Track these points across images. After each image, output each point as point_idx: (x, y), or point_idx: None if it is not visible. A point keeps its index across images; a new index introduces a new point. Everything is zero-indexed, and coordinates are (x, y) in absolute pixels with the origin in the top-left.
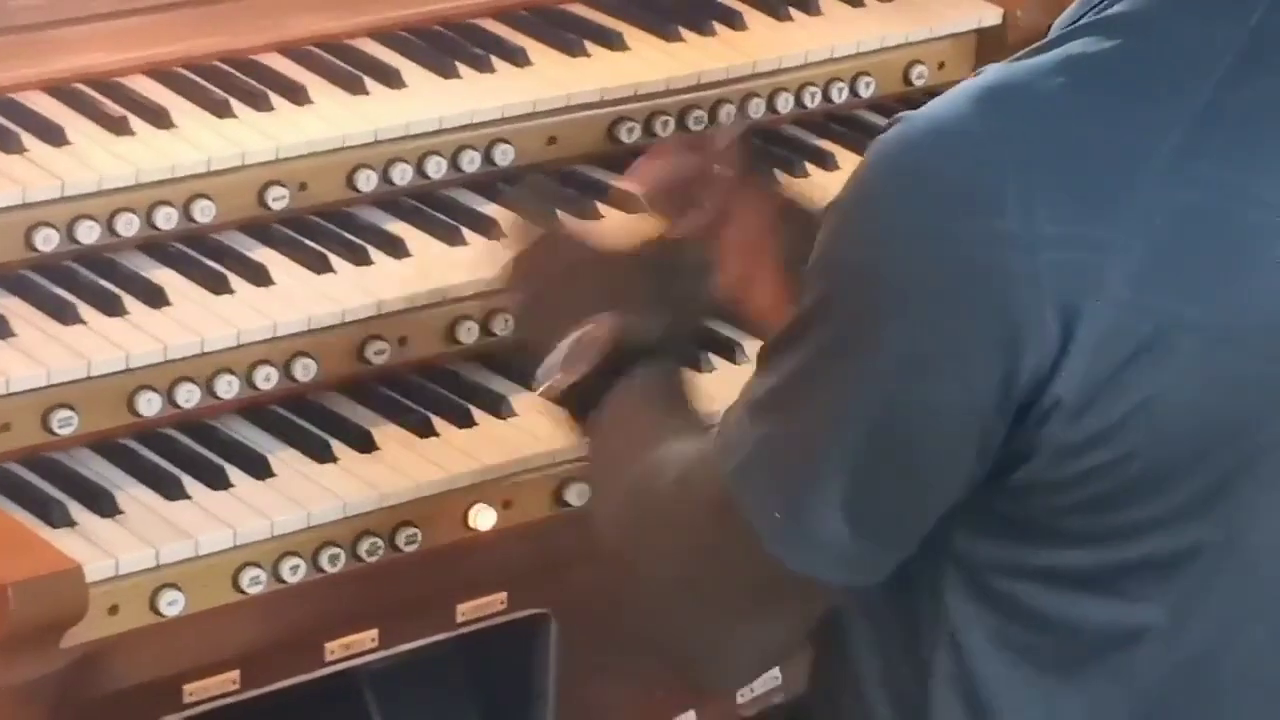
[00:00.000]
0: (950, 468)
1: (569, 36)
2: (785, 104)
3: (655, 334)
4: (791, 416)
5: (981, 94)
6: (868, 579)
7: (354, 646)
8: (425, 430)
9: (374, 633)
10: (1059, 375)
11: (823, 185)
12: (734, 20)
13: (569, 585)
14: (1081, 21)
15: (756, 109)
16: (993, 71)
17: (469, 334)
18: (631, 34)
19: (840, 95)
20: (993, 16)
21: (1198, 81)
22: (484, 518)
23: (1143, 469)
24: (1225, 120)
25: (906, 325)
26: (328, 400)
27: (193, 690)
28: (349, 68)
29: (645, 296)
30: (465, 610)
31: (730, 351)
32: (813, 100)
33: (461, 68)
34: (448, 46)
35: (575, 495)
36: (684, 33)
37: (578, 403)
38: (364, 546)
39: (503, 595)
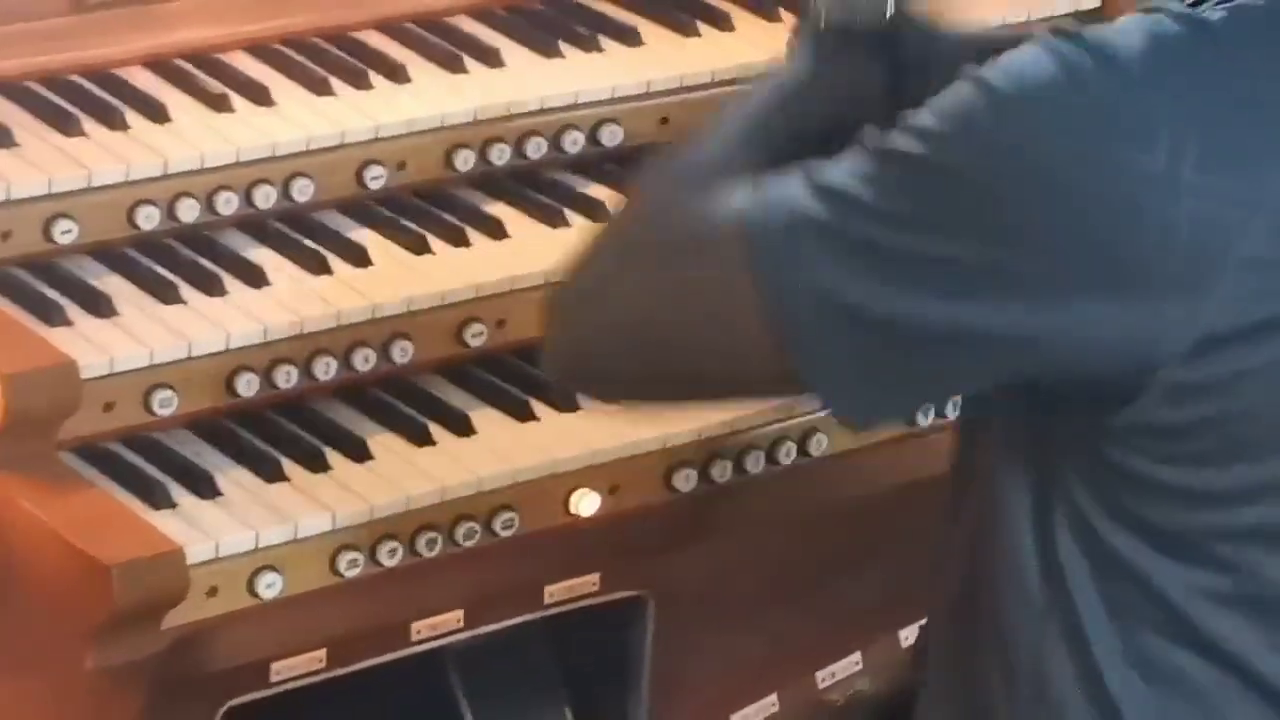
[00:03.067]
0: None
1: (680, 16)
2: None
3: None
4: (905, 236)
5: (1159, 37)
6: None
7: (440, 627)
8: (524, 414)
9: (459, 613)
10: (1184, 322)
11: None
12: None
13: (668, 568)
14: None
15: None
16: (1171, 14)
17: None
18: (737, 14)
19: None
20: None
21: None
22: (587, 503)
23: (1254, 429)
24: None
25: (1035, 229)
26: (426, 383)
27: (279, 669)
28: (449, 45)
29: None
30: (554, 592)
31: None
32: None
33: (565, 46)
34: (550, 24)
35: (684, 480)
36: (783, 13)
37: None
38: (461, 531)
39: (595, 577)
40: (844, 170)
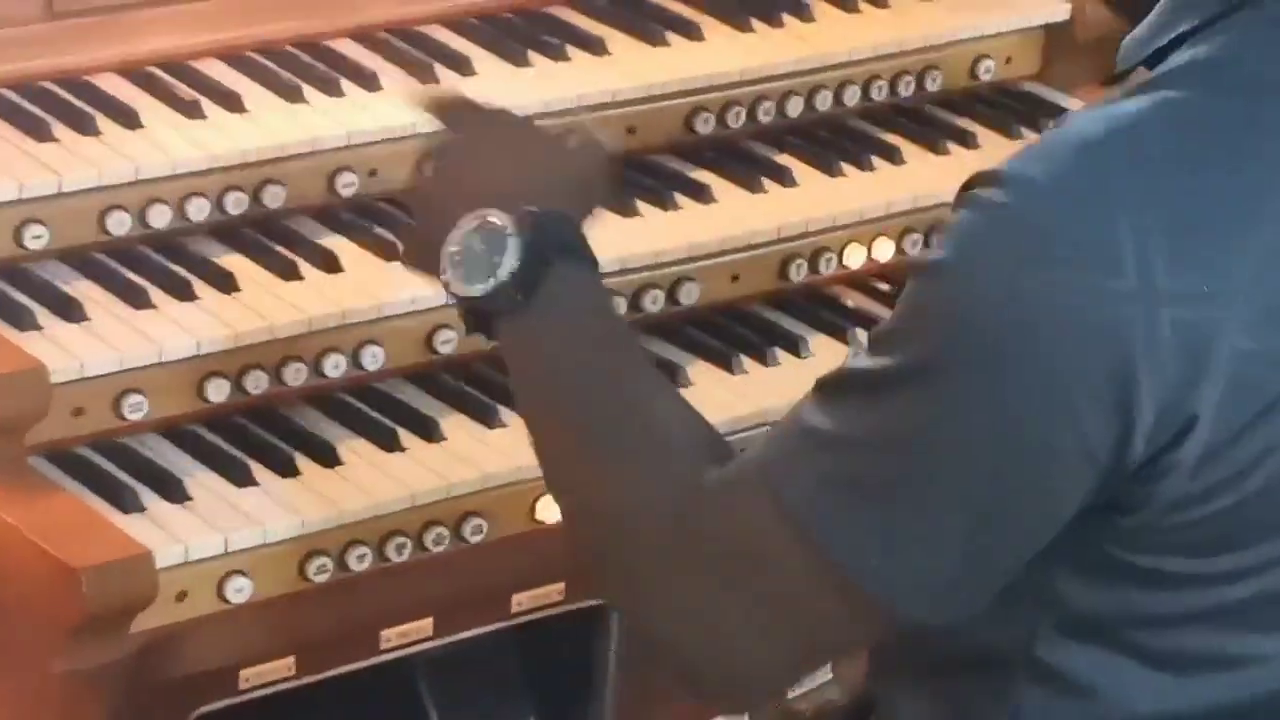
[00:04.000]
0: (1054, 513)
1: (650, 25)
2: (852, 96)
3: (575, 228)
4: (890, 456)
5: (1083, 146)
6: (949, 615)
7: (410, 635)
8: (492, 420)
9: (429, 621)
10: (1184, 433)
11: (889, 179)
12: (803, 12)
13: None
14: (1169, 64)
15: (824, 101)
16: (1086, 120)
17: None
18: (707, 23)
19: (907, 89)
20: (1061, 11)
21: None
22: (553, 510)
23: (1261, 513)
24: None
25: (1022, 382)
26: (395, 388)
27: (248, 675)
28: (421, 54)
29: (577, 181)
30: (521, 600)
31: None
32: (880, 93)
33: (534, 56)
34: (520, 34)
35: None
36: (755, 23)
37: (493, 309)
38: (430, 536)
39: (560, 586)
40: (832, 413)
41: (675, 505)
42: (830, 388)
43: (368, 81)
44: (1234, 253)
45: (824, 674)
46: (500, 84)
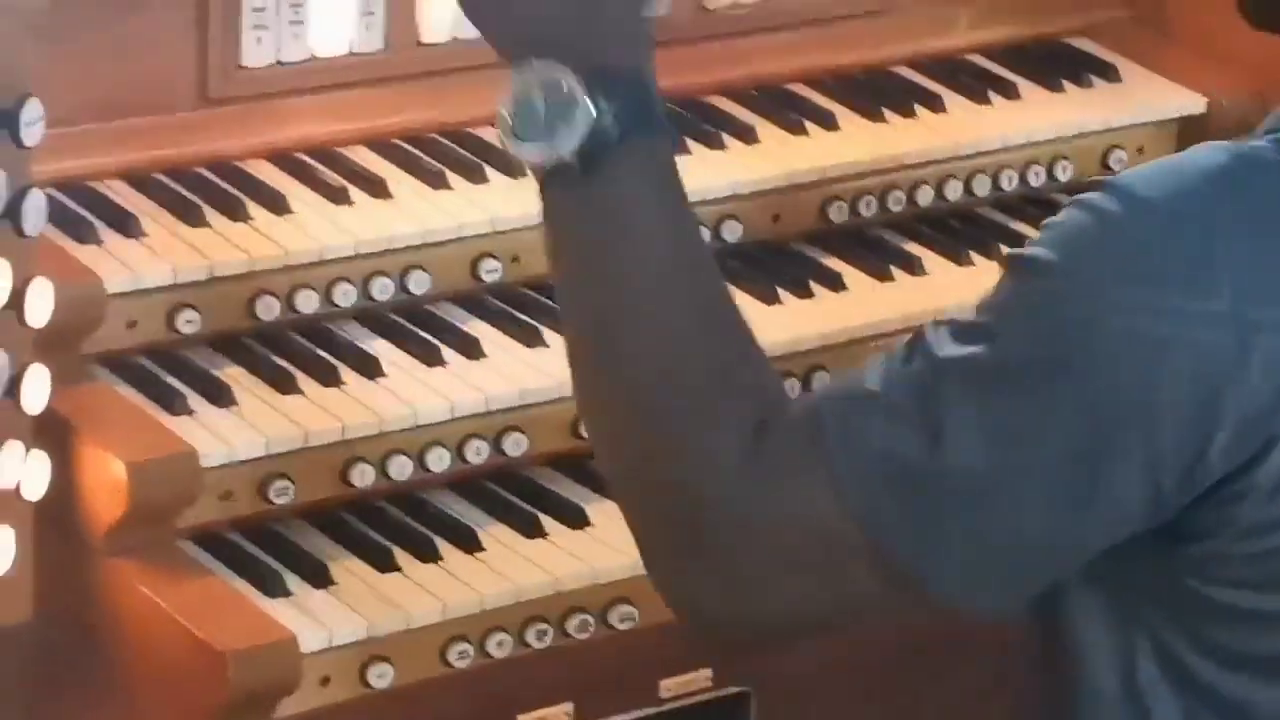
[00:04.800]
0: (1108, 520)
1: (791, 116)
2: (982, 186)
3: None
4: (957, 447)
5: (1197, 170)
6: (983, 604)
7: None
8: None
9: (569, 706)
10: (1260, 460)
11: None
12: (935, 104)
13: (770, 662)
14: None
15: (954, 190)
16: (1209, 148)
17: None
18: (843, 115)
19: (1037, 179)
20: (1197, 105)
21: None
22: None
23: None
24: None
25: (1104, 387)
26: (539, 475)
27: None
28: None
29: None
30: (670, 686)
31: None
32: (1010, 183)
33: (690, 143)
34: (678, 121)
35: None
36: (888, 114)
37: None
38: (573, 623)
39: (708, 672)
40: (910, 394)
41: (732, 459)
42: (908, 363)
43: (511, 168)
44: None
45: None
46: None
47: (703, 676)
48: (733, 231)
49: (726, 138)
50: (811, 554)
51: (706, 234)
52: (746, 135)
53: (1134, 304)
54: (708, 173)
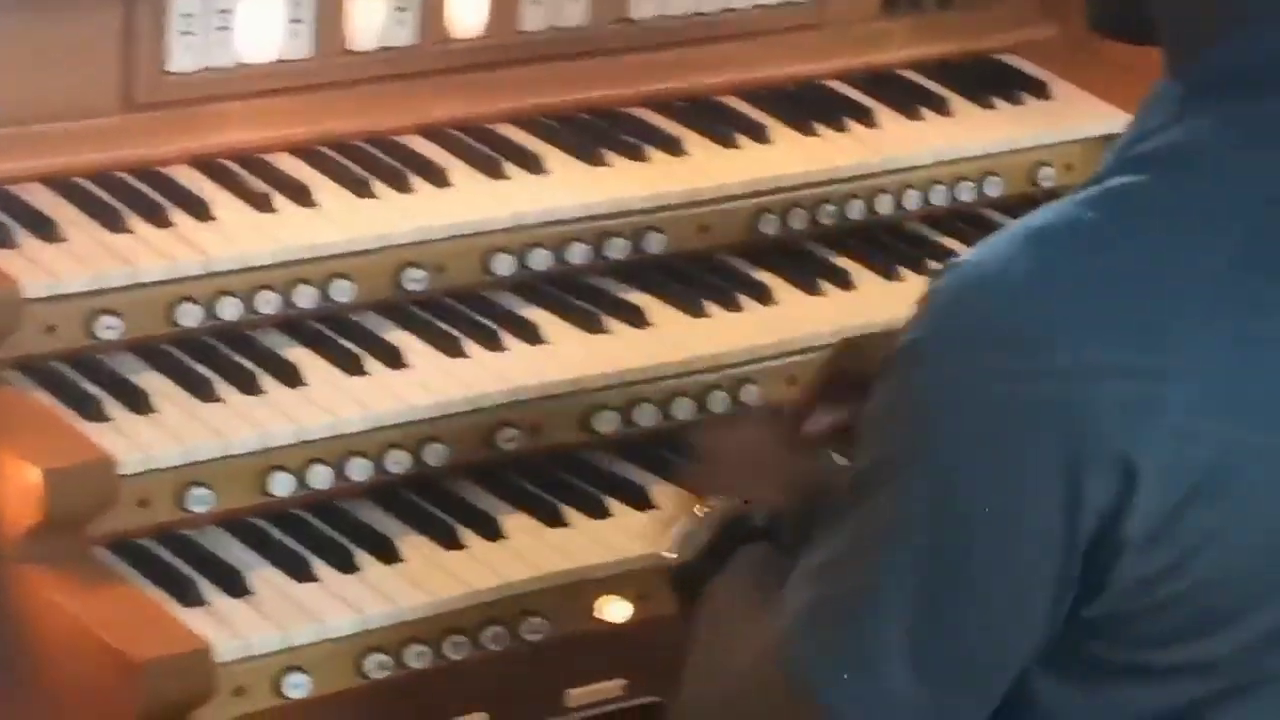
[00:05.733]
0: (1022, 604)
1: (721, 128)
2: (912, 201)
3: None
4: (851, 570)
5: (1026, 236)
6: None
7: None
8: (555, 520)
9: (483, 717)
10: (1126, 508)
11: None
12: (866, 118)
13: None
14: (1128, 154)
15: (885, 205)
16: (1040, 212)
17: (607, 424)
18: (774, 127)
19: (968, 194)
20: (1120, 124)
21: (1245, 205)
22: (616, 609)
23: (1220, 598)
24: (1275, 241)
25: (969, 472)
26: (457, 486)
27: None
28: (490, 151)
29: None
30: (577, 696)
31: None
32: (940, 198)
33: (608, 155)
34: (594, 133)
35: None
36: (819, 128)
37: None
38: (488, 634)
39: (621, 682)
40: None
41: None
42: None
43: (437, 177)
44: (1171, 330)
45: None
46: (573, 183)
47: (615, 686)
48: (658, 243)
49: (650, 150)
50: None
51: (625, 245)
52: (671, 147)
53: (973, 375)
54: (628, 184)
